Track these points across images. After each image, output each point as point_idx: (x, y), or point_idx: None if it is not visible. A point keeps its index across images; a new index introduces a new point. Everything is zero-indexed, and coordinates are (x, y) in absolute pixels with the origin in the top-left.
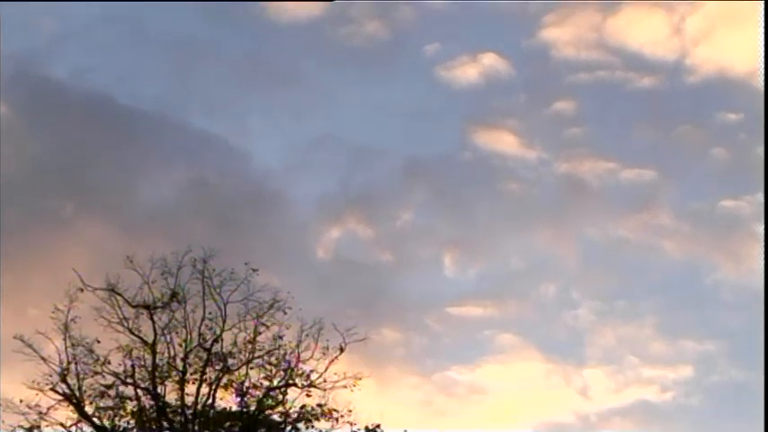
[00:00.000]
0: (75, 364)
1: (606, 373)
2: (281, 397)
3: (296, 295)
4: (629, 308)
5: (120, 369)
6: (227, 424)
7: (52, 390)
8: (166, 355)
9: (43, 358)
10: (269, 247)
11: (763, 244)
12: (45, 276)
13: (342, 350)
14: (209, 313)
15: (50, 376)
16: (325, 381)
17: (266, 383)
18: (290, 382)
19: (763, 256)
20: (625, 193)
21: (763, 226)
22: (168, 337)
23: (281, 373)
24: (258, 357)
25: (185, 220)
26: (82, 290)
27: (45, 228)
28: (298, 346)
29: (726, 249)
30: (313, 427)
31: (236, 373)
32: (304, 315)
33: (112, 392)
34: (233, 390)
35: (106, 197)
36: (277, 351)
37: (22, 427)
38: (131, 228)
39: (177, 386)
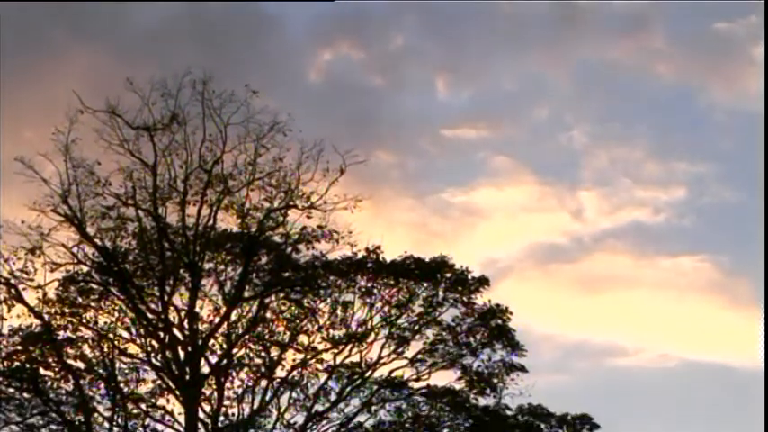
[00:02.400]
0: (76, 185)
1: (599, 194)
2: (281, 218)
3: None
4: (622, 130)
5: (121, 191)
6: (228, 245)
7: (53, 211)
8: (167, 176)
9: (44, 180)
10: (262, 69)
11: (762, 67)
12: (39, 100)
13: (342, 172)
14: (210, 135)
15: (51, 198)
16: (325, 203)
17: (267, 205)
18: (291, 203)
19: (762, 78)
20: (619, 15)
21: (758, 48)
22: (169, 159)
23: (282, 194)
24: (258, 179)
25: (179, 42)
26: (82, 112)
27: (38, 51)
28: (298, 168)
29: (719, 72)
30: (313, 248)
31: (237, 194)
32: (304, 137)
33: (113, 214)
34: (234, 211)
35: (99, 20)
36: (277, 173)
37: (23, 248)
38: (125, 51)
39: (178, 208)
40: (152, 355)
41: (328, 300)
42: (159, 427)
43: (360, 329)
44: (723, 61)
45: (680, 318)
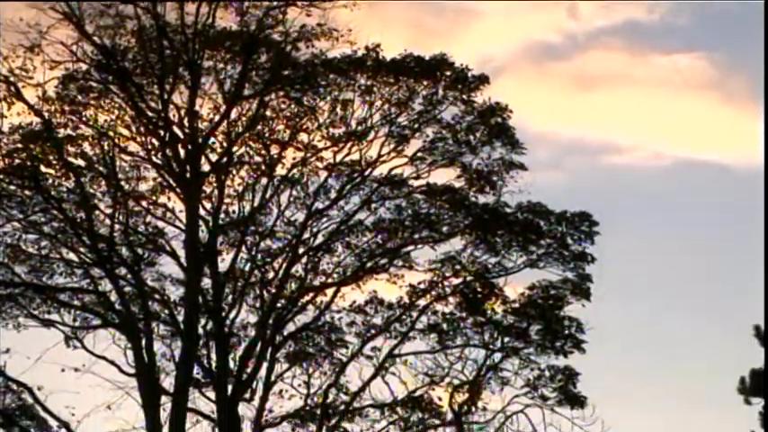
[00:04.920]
0: None
1: None
2: (280, 16)
3: None
4: None
5: None
6: (228, 43)
7: (51, 8)
8: None
9: None
10: None
11: None
12: None
13: None
14: None
15: None
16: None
17: (266, 3)
18: (290, 1)
19: None
20: None
21: None
22: None
23: None
24: None
25: None
26: None
27: None
28: None
29: None
30: (313, 46)
31: None
32: None
33: (112, 11)
34: (233, 9)
35: None
36: None
37: (22, 45)
38: None
39: (177, 5)
40: (152, 153)
41: (328, 98)
42: (160, 224)
43: (359, 127)
44: None
45: (675, 116)
